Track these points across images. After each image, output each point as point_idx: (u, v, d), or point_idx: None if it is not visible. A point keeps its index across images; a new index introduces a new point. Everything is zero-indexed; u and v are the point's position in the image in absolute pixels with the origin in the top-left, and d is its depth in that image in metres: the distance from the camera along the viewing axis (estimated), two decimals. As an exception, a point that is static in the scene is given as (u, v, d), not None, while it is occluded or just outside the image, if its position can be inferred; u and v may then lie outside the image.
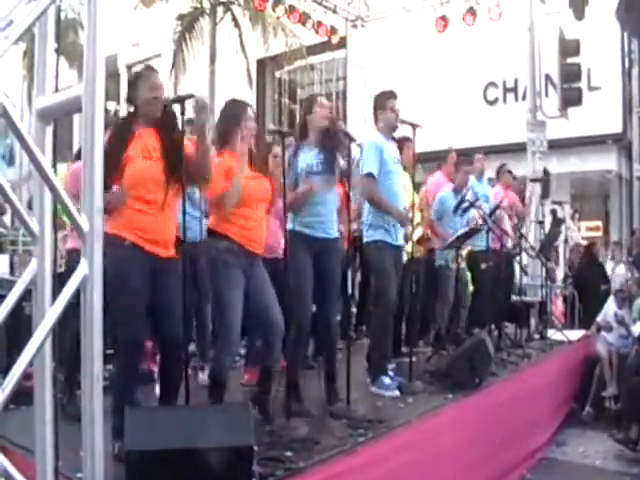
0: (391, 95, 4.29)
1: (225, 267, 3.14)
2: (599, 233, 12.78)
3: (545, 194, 9.25)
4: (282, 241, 3.56)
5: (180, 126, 2.93)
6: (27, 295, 1.80)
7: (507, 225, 6.17)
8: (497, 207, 5.81)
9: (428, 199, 5.76)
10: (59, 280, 1.82)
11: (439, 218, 5.61)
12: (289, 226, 3.56)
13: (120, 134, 2.82)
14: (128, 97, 2.95)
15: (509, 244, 6.31)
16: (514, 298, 6.85)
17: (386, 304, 4.11)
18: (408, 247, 4.61)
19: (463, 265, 5.57)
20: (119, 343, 2.77)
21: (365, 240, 4.29)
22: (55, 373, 1.85)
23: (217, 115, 3.45)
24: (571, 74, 8.91)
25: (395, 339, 4.72)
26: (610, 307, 6.88)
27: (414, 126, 4.22)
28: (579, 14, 8.54)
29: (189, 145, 2.99)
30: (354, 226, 4.90)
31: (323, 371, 3.84)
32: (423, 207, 5.64)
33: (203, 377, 4.14)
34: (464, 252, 5.53)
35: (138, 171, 2.78)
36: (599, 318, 6.96)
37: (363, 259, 5.75)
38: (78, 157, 3.61)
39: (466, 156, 6.13)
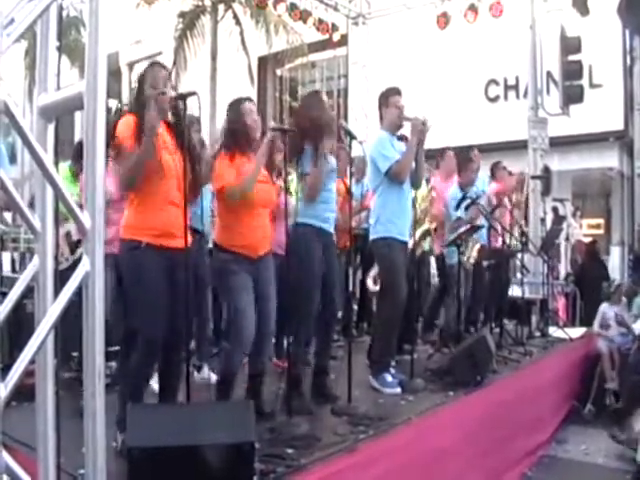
0: (394, 92, 4.26)
1: (233, 274, 3.18)
2: (601, 231, 12.76)
3: (546, 191, 9.24)
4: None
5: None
6: (29, 292, 1.80)
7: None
8: (498, 205, 5.79)
9: (439, 205, 5.70)
10: (60, 277, 1.82)
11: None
12: (301, 220, 3.55)
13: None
14: (141, 91, 2.86)
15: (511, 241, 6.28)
16: (515, 295, 6.83)
17: (395, 299, 4.09)
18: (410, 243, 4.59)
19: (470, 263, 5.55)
20: (140, 342, 2.79)
21: (373, 237, 4.24)
22: (57, 369, 1.85)
23: (217, 114, 3.47)
24: (572, 71, 8.88)
25: (399, 336, 4.71)
26: (606, 308, 6.85)
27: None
28: (583, 10, 8.51)
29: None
30: (353, 223, 4.88)
31: (314, 364, 3.86)
32: (433, 213, 5.59)
33: (200, 376, 4.15)
34: (476, 249, 5.52)
35: (166, 164, 2.79)
36: (596, 320, 6.87)
37: (365, 256, 5.74)
38: (79, 156, 3.60)
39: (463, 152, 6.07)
